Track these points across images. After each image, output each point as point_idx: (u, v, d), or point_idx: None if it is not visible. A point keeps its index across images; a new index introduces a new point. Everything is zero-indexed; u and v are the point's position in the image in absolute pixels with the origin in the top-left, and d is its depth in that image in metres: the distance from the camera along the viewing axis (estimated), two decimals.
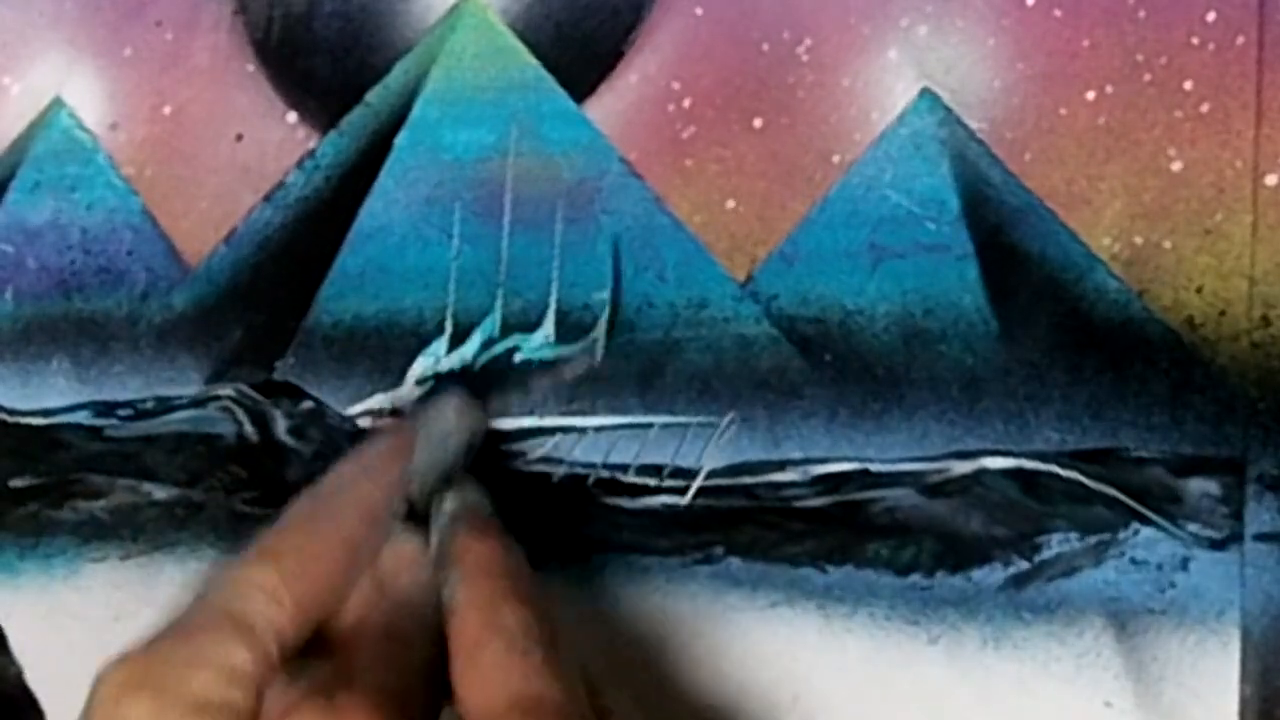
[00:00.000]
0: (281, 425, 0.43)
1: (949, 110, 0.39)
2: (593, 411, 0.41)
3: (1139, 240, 0.37)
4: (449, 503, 0.33)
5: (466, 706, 0.29)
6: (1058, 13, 0.39)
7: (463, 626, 0.29)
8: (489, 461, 0.40)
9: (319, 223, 0.44)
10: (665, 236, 0.41)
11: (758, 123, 0.41)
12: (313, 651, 0.30)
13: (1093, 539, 0.37)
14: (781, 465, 0.39)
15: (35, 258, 0.47)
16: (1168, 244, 0.37)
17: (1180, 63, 0.37)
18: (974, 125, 0.39)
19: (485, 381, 0.40)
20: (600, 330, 0.39)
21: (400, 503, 0.33)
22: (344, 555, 0.29)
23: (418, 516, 0.33)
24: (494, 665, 0.28)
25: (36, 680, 0.45)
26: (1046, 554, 0.37)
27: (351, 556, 0.30)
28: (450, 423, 0.35)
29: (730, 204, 0.41)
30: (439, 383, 0.42)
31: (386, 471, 0.32)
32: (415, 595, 0.31)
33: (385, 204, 0.43)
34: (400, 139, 0.44)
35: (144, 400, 0.45)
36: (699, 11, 0.41)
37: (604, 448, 0.40)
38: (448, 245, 0.43)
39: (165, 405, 0.45)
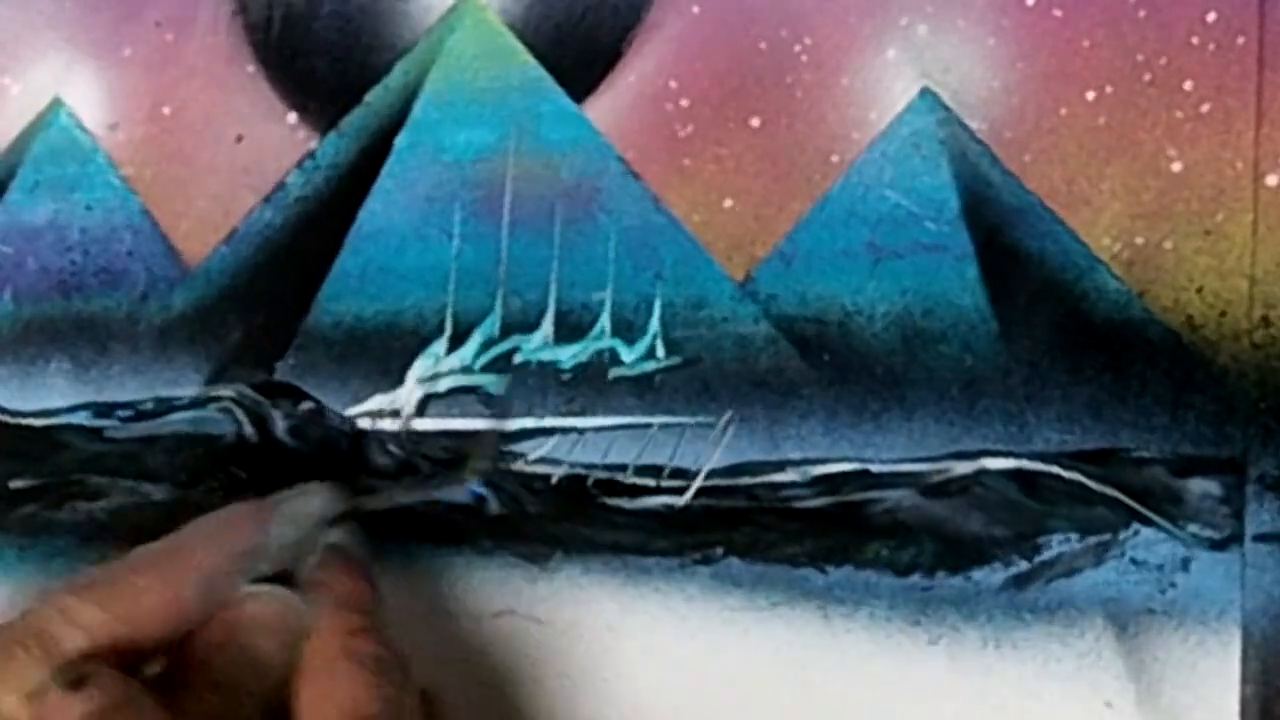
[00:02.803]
0: (281, 426, 0.43)
1: (949, 110, 0.39)
2: (592, 411, 0.41)
3: (1139, 240, 0.37)
4: (330, 536, 0.35)
5: (304, 718, 0.30)
6: (1058, 12, 0.39)
7: (320, 646, 0.31)
8: (487, 461, 0.40)
9: (319, 223, 0.44)
10: (663, 236, 0.41)
11: (756, 122, 0.41)
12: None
13: (1093, 539, 0.37)
14: (781, 466, 0.39)
15: (34, 258, 0.47)
16: (1168, 244, 0.37)
17: (1180, 63, 0.37)
18: (974, 125, 0.39)
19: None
20: None
21: (240, 578, 0.33)
22: (167, 615, 0.31)
23: (289, 580, 0.34)
24: (344, 684, 0.30)
25: None
26: (1047, 554, 0.37)
27: (175, 618, 0.31)
28: (312, 506, 0.36)
29: (728, 203, 0.41)
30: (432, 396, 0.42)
31: (227, 543, 0.33)
32: (261, 659, 0.32)
33: (385, 204, 0.43)
34: (400, 139, 0.44)
35: (144, 401, 0.45)
36: (696, 10, 0.41)
37: (603, 448, 0.40)
38: (447, 245, 0.43)
39: (165, 406, 0.45)
